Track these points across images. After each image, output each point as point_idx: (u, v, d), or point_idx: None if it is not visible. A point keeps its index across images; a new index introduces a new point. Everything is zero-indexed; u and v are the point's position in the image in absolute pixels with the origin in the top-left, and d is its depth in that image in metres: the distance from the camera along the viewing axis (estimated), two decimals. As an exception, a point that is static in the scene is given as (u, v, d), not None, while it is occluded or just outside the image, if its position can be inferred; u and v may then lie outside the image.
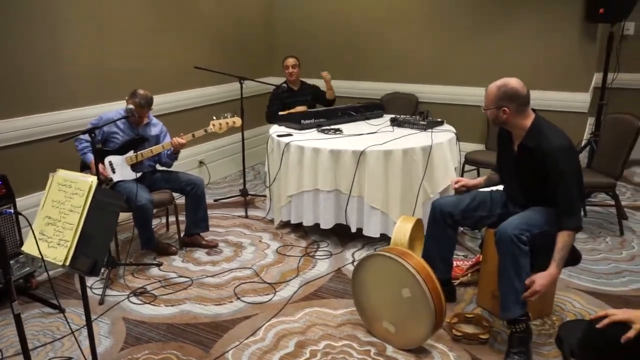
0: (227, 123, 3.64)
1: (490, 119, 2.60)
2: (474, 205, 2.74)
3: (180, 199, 3.68)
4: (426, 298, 2.32)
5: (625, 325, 1.61)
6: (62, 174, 2.08)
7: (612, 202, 3.92)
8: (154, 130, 3.52)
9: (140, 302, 2.98)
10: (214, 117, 3.65)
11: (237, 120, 3.69)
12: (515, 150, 2.59)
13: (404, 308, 2.44)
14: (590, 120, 4.90)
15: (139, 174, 3.37)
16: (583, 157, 4.58)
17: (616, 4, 4.09)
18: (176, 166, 3.74)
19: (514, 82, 2.50)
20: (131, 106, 3.23)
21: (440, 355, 2.47)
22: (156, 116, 3.72)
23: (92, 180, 1.99)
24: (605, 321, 1.64)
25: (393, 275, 2.44)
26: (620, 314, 1.64)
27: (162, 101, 4.41)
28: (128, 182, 3.31)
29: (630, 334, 1.58)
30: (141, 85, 4.21)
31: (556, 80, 4.41)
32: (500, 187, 2.86)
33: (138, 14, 4.19)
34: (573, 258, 2.63)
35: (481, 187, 2.94)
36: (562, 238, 2.36)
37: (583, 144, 4.43)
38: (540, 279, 2.32)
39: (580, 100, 4.41)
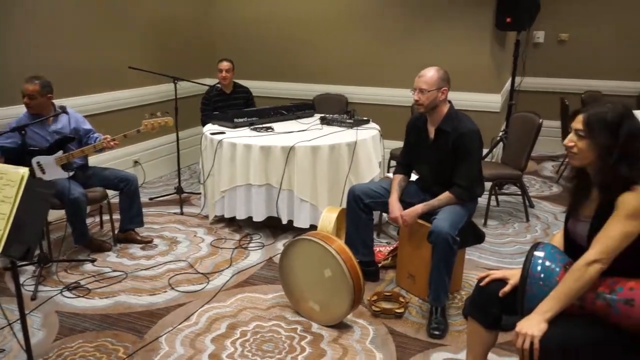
0: (158, 123, 3.67)
1: (427, 102, 2.77)
2: (381, 192, 3.03)
3: (114, 198, 3.74)
4: (345, 276, 2.55)
5: (502, 282, 1.90)
6: (-8, 166, 2.15)
7: (520, 192, 4.33)
8: (64, 122, 3.48)
9: (73, 296, 3.03)
10: (146, 116, 3.71)
11: (169, 120, 3.73)
12: (432, 134, 2.89)
13: (326, 287, 2.66)
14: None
15: (71, 173, 3.40)
16: (496, 153, 5.01)
17: (521, 13, 4.53)
18: (111, 165, 3.79)
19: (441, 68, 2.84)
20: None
21: (360, 329, 2.70)
22: (89, 116, 3.75)
23: (24, 171, 2.08)
24: (487, 279, 1.93)
25: (316, 257, 2.66)
26: (498, 273, 1.94)
27: (95, 101, 4.45)
28: (60, 179, 3.34)
29: (507, 288, 1.87)
30: (73, 85, 4.25)
31: (471, 82, 4.80)
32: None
33: (69, 12, 4.20)
34: (476, 237, 2.95)
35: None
36: (445, 195, 2.78)
37: (496, 140, 4.84)
38: (405, 213, 2.83)
39: (492, 100, 4.83)
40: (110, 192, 3.65)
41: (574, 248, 1.84)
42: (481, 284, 1.95)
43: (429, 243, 2.64)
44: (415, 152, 3.06)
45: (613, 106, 1.74)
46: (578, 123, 1.74)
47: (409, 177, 3.15)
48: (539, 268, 1.77)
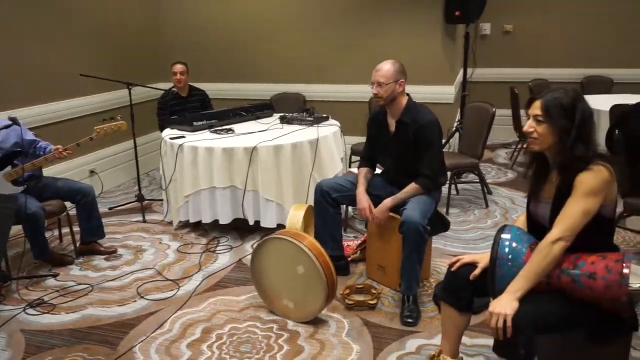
0: (111, 128, 3.51)
1: (386, 95, 2.83)
2: (348, 186, 3.09)
3: (72, 210, 3.61)
4: (318, 271, 2.57)
5: (472, 265, 1.98)
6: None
7: (478, 180, 4.48)
8: (2, 135, 3.27)
9: (38, 313, 2.92)
10: (98, 123, 3.57)
11: (123, 124, 3.56)
12: (392, 127, 2.95)
13: (300, 284, 2.67)
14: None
15: (23, 188, 3.25)
16: (453, 143, 5.16)
17: (469, 7, 4.68)
18: (66, 176, 3.65)
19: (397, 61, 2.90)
20: None
21: (336, 323, 2.74)
22: (40, 127, 3.61)
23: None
24: (457, 264, 2.00)
25: (288, 255, 2.67)
26: (467, 257, 2.01)
27: (45, 111, 4.29)
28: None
29: (477, 271, 1.95)
30: (19, 95, 4.09)
31: (426, 75, 4.92)
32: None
33: (13, 18, 4.03)
34: (442, 225, 3.04)
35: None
36: (411, 186, 2.84)
37: (452, 131, 4.98)
38: (376, 211, 2.89)
39: (446, 92, 4.97)
40: (67, 204, 3.54)
41: (537, 228, 1.93)
42: (452, 269, 2.02)
43: (400, 234, 2.69)
44: (377, 146, 3.12)
45: (565, 91, 1.84)
46: (535, 109, 1.83)
47: (374, 169, 3.21)
48: (506, 250, 1.86)
